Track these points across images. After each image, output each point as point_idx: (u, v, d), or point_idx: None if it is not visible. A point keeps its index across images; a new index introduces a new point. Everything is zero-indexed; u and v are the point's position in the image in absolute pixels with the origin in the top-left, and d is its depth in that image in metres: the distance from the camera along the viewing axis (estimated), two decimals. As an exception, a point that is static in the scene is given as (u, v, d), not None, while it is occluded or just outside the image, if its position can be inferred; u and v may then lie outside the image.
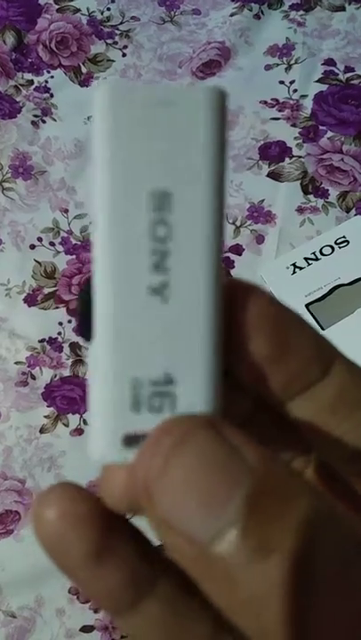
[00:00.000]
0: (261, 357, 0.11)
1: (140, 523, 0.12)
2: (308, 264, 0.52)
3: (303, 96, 0.60)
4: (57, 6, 0.65)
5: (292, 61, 0.62)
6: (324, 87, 0.60)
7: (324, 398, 0.12)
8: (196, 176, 0.10)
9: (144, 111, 0.10)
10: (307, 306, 0.50)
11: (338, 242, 0.53)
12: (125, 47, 0.64)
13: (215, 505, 0.09)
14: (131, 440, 0.11)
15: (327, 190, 0.56)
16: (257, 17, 0.64)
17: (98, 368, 0.11)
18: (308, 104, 0.59)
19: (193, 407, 0.11)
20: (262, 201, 0.56)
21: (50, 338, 0.54)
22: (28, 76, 0.63)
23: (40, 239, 0.57)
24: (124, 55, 0.64)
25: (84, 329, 0.11)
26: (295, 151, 0.58)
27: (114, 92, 0.10)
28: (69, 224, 0.57)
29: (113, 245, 0.10)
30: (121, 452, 0.11)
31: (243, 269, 0.54)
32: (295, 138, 0.58)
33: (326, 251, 0.52)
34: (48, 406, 0.52)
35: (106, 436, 0.11)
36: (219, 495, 0.09)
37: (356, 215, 0.55)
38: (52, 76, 0.63)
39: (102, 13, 0.65)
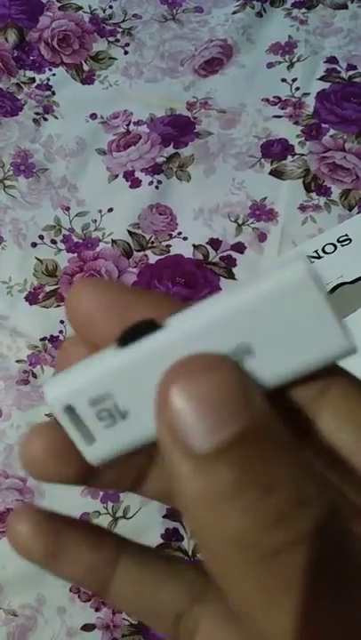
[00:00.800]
0: None
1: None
2: (311, 262, 0.52)
3: (306, 94, 0.60)
4: (59, 4, 0.65)
5: (295, 59, 0.62)
6: (326, 85, 0.60)
7: None
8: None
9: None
10: (309, 304, 0.50)
11: (340, 240, 0.52)
12: (127, 45, 0.64)
13: (216, 425, 0.11)
14: (70, 411, 0.13)
15: (330, 188, 0.56)
16: (259, 15, 0.64)
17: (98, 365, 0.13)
18: (310, 102, 0.59)
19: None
20: (265, 199, 0.56)
21: (51, 336, 0.54)
22: (30, 73, 0.63)
23: (42, 237, 0.57)
24: (126, 53, 0.64)
25: (126, 336, 0.13)
26: (298, 149, 0.58)
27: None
28: (71, 222, 0.57)
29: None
30: (59, 412, 0.13)
31: (245, 267, 0.54)
32: (297, 136, 0.58)
33: (329, 249, 0.52)
34: (49, 404, 0.52)
35: (65, 392, 0.13)
36: (221, 419, 0.11)
37: (358, 213, 0.54)
38: (53, 74, 0.63)
39: (104, 11, 0.65)
